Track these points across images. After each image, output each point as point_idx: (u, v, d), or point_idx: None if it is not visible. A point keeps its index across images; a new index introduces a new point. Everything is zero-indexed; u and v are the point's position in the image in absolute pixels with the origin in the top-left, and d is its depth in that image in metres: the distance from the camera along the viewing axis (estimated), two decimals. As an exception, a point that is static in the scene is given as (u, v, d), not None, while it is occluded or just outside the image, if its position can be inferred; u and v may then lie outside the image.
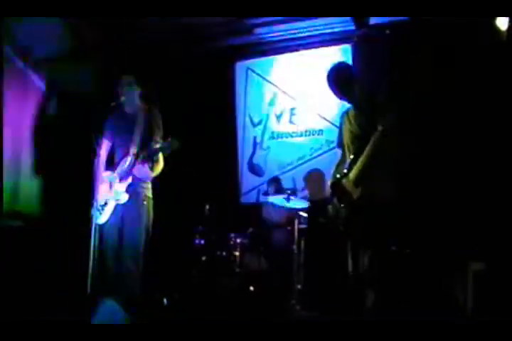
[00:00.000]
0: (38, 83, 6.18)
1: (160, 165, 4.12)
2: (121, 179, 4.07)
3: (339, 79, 3.71)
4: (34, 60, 6.18)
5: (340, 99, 3.79)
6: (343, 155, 3.88)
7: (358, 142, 3.66)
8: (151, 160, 4.02)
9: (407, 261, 3.77)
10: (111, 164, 4.23)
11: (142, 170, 4.01)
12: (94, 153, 4.16)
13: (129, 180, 4.06)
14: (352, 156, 3.65)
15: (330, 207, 3.76)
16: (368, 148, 3.51)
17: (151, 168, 4.07)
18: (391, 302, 3.44)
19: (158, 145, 3.94)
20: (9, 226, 5.12)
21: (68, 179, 5.05)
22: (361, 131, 3.65)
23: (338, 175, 3.76)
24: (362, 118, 3.69)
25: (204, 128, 6.17)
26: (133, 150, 4.10)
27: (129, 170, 4.03)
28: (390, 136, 3.48)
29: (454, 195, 4.50)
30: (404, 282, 3.62)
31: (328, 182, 3.86)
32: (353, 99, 3.74)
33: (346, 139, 3.81)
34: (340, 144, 3.92)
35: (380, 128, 3.44)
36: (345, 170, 3.67)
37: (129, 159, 4.09)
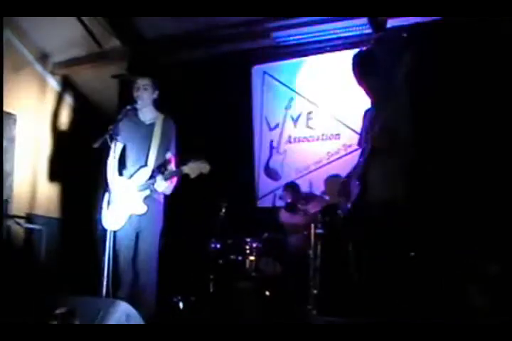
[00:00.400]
0: (57, 87, 6.24)
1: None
2: (140, 190, 4.02)
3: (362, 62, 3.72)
4: (53, 64, 6.26)
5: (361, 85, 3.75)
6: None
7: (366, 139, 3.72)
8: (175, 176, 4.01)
9: (421, 264, 3.73)
10: (121, 167, 4.17)
11: (164, 186, 3.96)
12: (105, 153, 4.13)
13: (147, 192, 4.03)
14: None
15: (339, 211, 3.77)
16: (369, 147, 3.54)
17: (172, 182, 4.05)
18: (406, 306, 3.42)
19: (186, 170, 3.88)
20: (29, 228, 5.19)
21: (83, 182, 5.07)
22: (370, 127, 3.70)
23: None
24: (379, 117, 3.70)
25: (220, 132, 6.18)
26: (151, 162, 4.07)
27: (151, 184, 4.00)
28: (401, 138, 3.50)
29: (467, 196, 4.46)
30: (419, 285, 3.58)
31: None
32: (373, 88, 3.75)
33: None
34: (361, 144, 3.94)
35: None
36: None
37: (148, 172, 4.05)
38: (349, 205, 3.68)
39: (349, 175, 3.83)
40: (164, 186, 3.96)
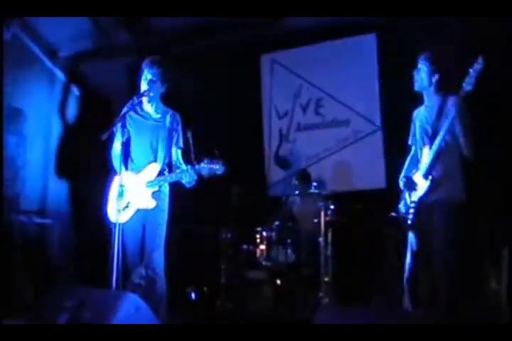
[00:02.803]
0: (66, 82, 6.26)
1: None
2: (149, 187, 4.02)
3: None
4: (62, 59, 6.27)
5: None
6: (416, 151, 3.98)
7: (428, 137, 3.77)
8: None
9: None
10: (128, 160, 4.17)
11: (193, 178, 3.94)
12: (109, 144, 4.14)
13: (157, 188, 4.04)
14: (423, 151, 3.79)
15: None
16: (436, 143, 3.61)
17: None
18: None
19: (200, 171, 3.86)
20: (40, 223, 5.25)
21: (93, 175, 5.10)
22: (431, 127, 3.77)
23: (410, 170, 3.93)
24: (432, 115, 3.78)
25: (230, 121, 6.18)
26: (160, 158, 4.07)
27: (162, 181, 4.01)
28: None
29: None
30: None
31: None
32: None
33: (418, 135, 3.93)
34: (413, 141, 4.03)
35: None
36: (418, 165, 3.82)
37: (157, 167, 4.05)
38: (416, 199, 3.76)
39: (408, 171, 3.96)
40: (193, 178, 3.93)
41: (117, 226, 3.70)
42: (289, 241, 5.18)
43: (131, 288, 3.86)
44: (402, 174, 4.01)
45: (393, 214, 3.99)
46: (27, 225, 5.02)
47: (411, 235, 3.81)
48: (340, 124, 6.10)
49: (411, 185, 3.82)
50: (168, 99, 4.33)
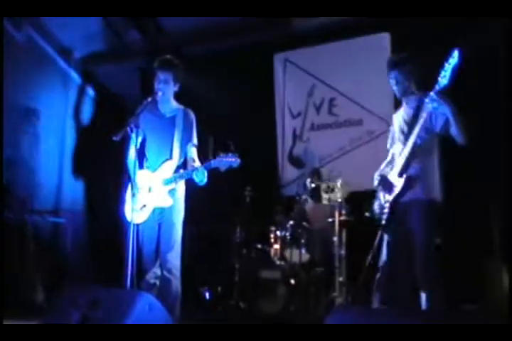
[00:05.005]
0: (80, 82, 6.30)
1: None
2: (166, 184, 4.02)
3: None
4: (76, 60, 6.31)
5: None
6: (392, 156, 3.94)
7: (404, 135, 3.73)
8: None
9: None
10: (143, 159, 4.18)
11: (204, 176, 3.93)
12: (126, 146, 4.15)
13: (173, 185, 4.04)
14: (398, 149, 3.75)
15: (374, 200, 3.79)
16: (411, 140, 3.56)
17: None
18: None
19: (216, 163, 3.81)
20: (54, 223, 5.29)
21: (107, 175, 5.12)
22: (407, 125, 3.73)
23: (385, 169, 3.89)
24: (410, 113, 3.75)
25: (243, 121, 6.17)
26: (175, 155, 4.07)
27: (178, 178, 4.01)
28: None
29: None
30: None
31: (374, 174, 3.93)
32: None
33: (396, 137, 3.89)
34: (392, 145, 3.99)
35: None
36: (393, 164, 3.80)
37: (173, 165, 4.06)
38: (391, 198, 3.68)
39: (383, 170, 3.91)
40: (204, 176, 3.93)
41: (132, 225, 3.71)
42: (302, 240, 5.16)
43: (146, 287, 3.86)
44: (377, 173, 3.95)
45: (367, 214, 3.95)
46: (41, 224, 5.06)
47: (386, 235, 3.75)
48: (353, 124, 6.08)
49: (386, 184, 3.76)
50: (181, 98, 4.34)
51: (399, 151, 3.75)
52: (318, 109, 6.34)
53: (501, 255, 4.58)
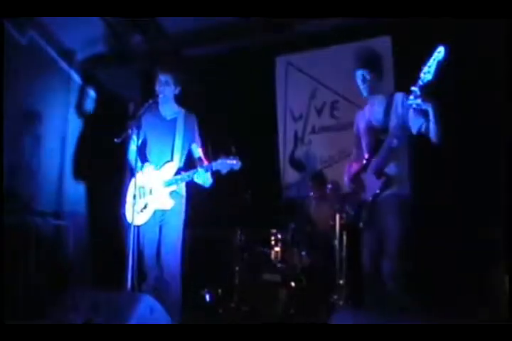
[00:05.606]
0: (82, 84, 6.31)
1: None
2: (167, 186, 4.03)
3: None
4: (78, 62, 6.32)
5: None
6: (358, 155, 3.99)
7: (376, 135, 3.74)
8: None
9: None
10: (144, 162, 4.18)
11: (206, 178, 3.95)
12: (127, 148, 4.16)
13: (174, 187, 4.04)
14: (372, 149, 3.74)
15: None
16: (388, 139, 3.57)
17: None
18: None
19: (217, 166, 3.87)
20: (55, 225, 5.29)
21: (108, 177, 5.13)
22: (380, 125, 3.74)
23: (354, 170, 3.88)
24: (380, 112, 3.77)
25: (244, 124, 6.17)
26: (176, 157, 4.07)
27: (179, 180, 4.01)
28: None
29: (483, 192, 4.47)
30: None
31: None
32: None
33: (363, 136, 3.94)
34: (357, 144, 4.06)
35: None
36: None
37: (174, 167, 4.06)
38: (370, 198, 3.68)
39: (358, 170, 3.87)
40: (206, 178, 3.94)
41: (132, 227, 3.72)
42: (303, 243, 5.16)
43: (147, 290, 3.87)
44: (347, 174, 3.94)
45: (343, 214, 3.95)
46: (42, 226, 5.06)
47: (365, 235, 3.76)
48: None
49: (358, 184, 3.75)
50: (182, 101, 4.35)
51: (369, 151, 3.73)
52: (319, 111, 6.34)
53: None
